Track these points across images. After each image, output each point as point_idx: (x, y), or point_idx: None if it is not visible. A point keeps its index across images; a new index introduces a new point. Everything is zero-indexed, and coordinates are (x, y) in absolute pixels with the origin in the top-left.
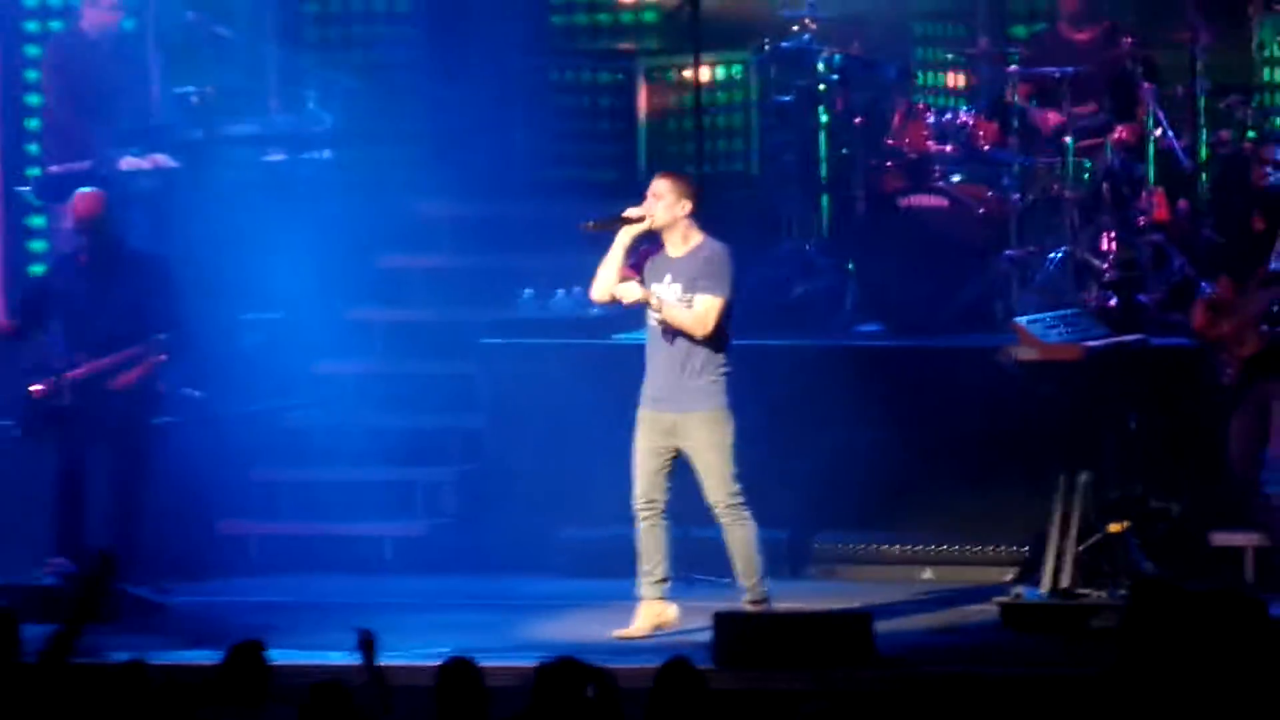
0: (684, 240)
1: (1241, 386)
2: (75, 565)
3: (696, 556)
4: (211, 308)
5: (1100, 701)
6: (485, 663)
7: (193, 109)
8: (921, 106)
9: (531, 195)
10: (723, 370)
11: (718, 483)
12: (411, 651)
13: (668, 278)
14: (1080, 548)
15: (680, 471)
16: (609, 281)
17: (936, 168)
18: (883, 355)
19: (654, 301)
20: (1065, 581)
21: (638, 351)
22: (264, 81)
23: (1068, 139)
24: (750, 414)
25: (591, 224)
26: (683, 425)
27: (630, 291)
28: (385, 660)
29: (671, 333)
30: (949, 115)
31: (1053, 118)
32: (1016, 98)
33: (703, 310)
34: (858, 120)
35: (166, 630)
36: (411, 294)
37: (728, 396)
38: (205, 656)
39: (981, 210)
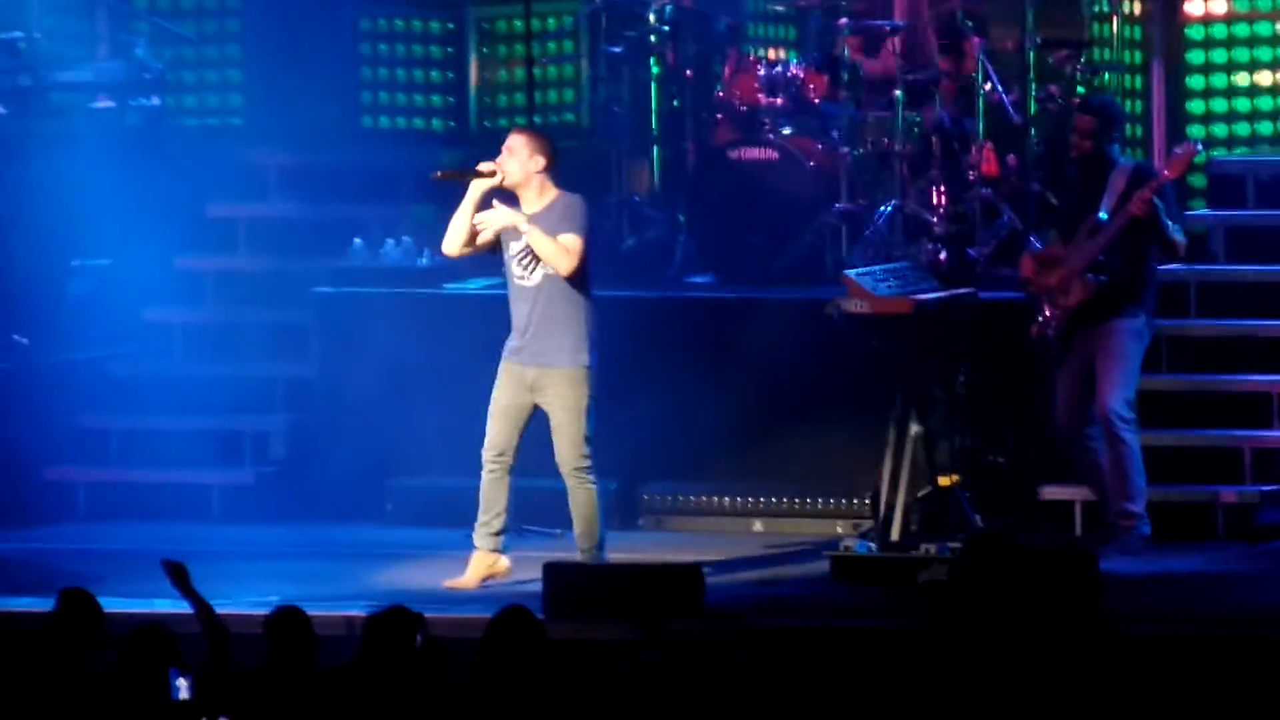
0: (539, 196)
1: (1066, 339)
2: None
3: (528, 507)
4: (39, 255)
5: (933, 653)
6: (314, 611)
7: (20, 54)
8: (752, 59)
9: (361, 144)
10: (587, 327)
11: (568, 444)
12: (241, 600)
13: (520, 236)
14: (910, 501)
15: (532, 425)
16: (460, 236)
17: (766, 120)
18: (713, 307)
19: (522, 226)
20: (895, 535)
21: (468, 302)
22: (92, 27)
23: (897, 92)
24: None
25: (441, 173)
26: (541, 380)
27: (497, 217)
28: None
29: (534, 287)
30: (779, 68)
31: (881, 71)
32: (846, 51)
33: (568, 243)
34: (688, 72)
35: None
36: (241, 242)
37: (591, 355)
38: (33, 604)
39: (811, 163)
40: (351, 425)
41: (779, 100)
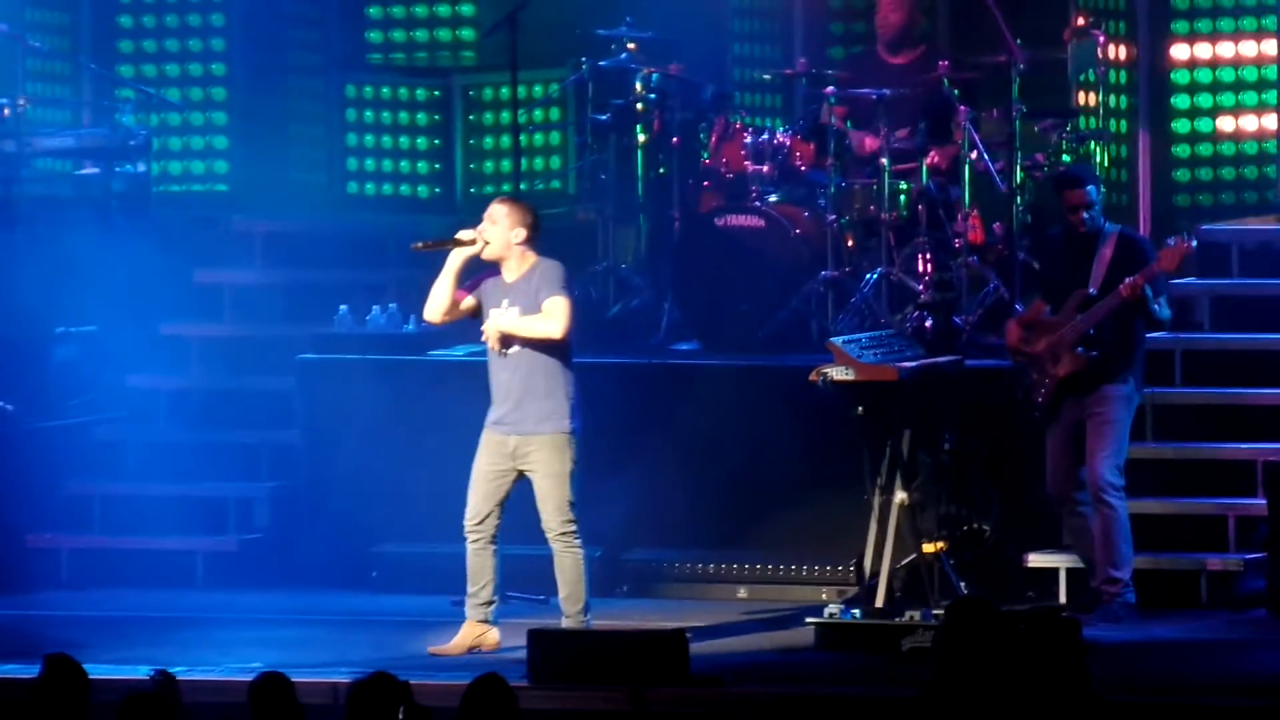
0: (519, 264)
1: (1055, 405)
2: None
3: (513, 574)
4: (23, 321)
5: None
6: (299, 678)
7: (4, 121)
8: (738, 126)
9: (347, 211)
10: (567, 393)
11: (553, 509)
12: (225, 667)
13: (505, 302)
14: (895, 568)
15: (515, 494)
16: (442, 304)
17: (753, 188)
18: (699, 374)
19: (507, 327)
20: (879, 601)
21: (453, 369)
22: (78, 94)
23: (884, 161)
24: None
25: (421, 245)
26: (524, 448)
27: (489, 334)
28: (200, 675)
29: (513, 356)
30: (766, 135)
31: (869, 140)
32: (833, 119)
33: (552, 309)
34: (674, 140)
35: None
36: (226, 309)
37: (574, 421)
38: (16, 670)
39: (798, 231)
40: (337, 492)
41: (765, 168)
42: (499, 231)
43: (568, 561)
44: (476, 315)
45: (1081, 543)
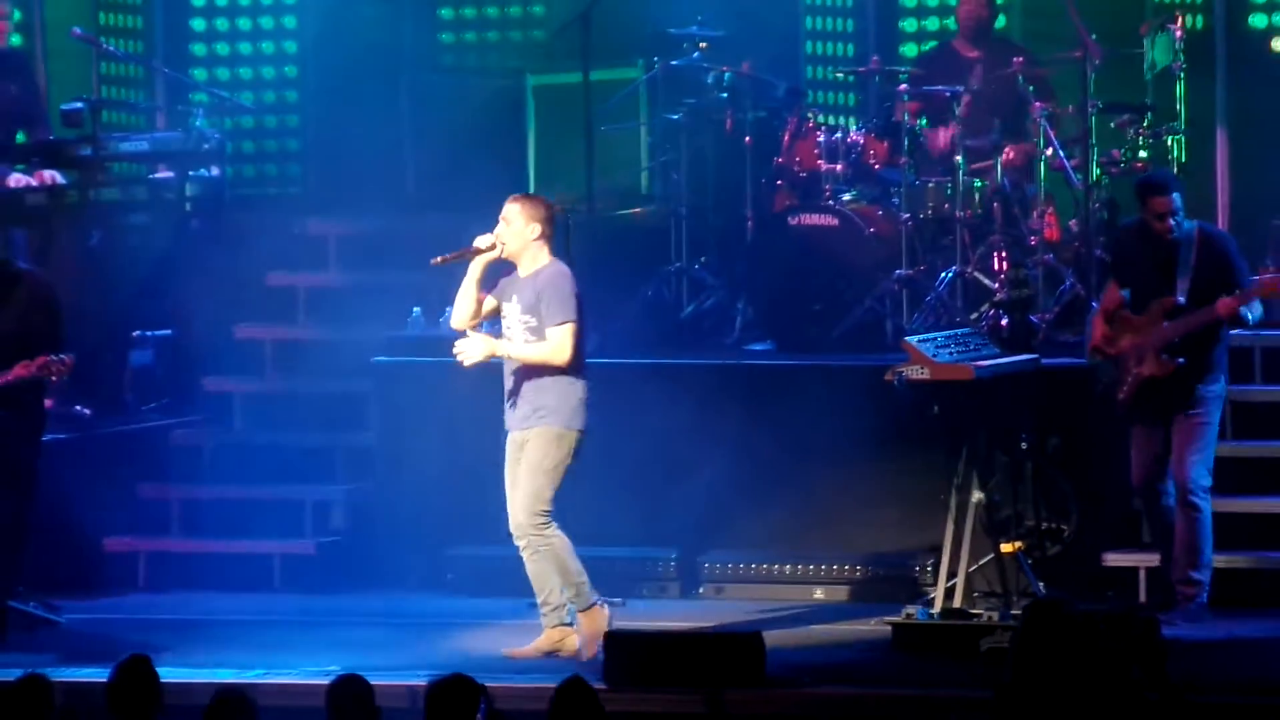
0: (533, 262)
1: (1138, 401)
2: None
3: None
4: (100, 325)
5: None
6: (376, 680)
7: (81, 125)
8: (811, 125)
9: (421, 212)
10: (571, 388)
11: (523, 502)
12: (302, 670)
13: (515, 298)
14: (972, 568)
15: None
16: (466, 311)
17: (827, 186)
18: (773, 374)
19: (502, 352)
20: (957, 602)
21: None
22: (152, 98)
23: (958, 158)
24: (640, 433)
25: (440, 259)
26: (525, 441)
27: (472, 353)
28: (277, 679)
29: (568, 365)
30: (839, 134)
31: (943, 137)
32: (907, 116)
33: (556, 340)
34: (747, 139)
35: (55, 648)
36: (300, 312)
37: (576, 418)
38: (95, 674)
39: (871, 229)
40: (411, 495)
41: (839, 166)
42: (514, 231)
43: (530, 568)
44: (499, 314)
45: (1164, 538)
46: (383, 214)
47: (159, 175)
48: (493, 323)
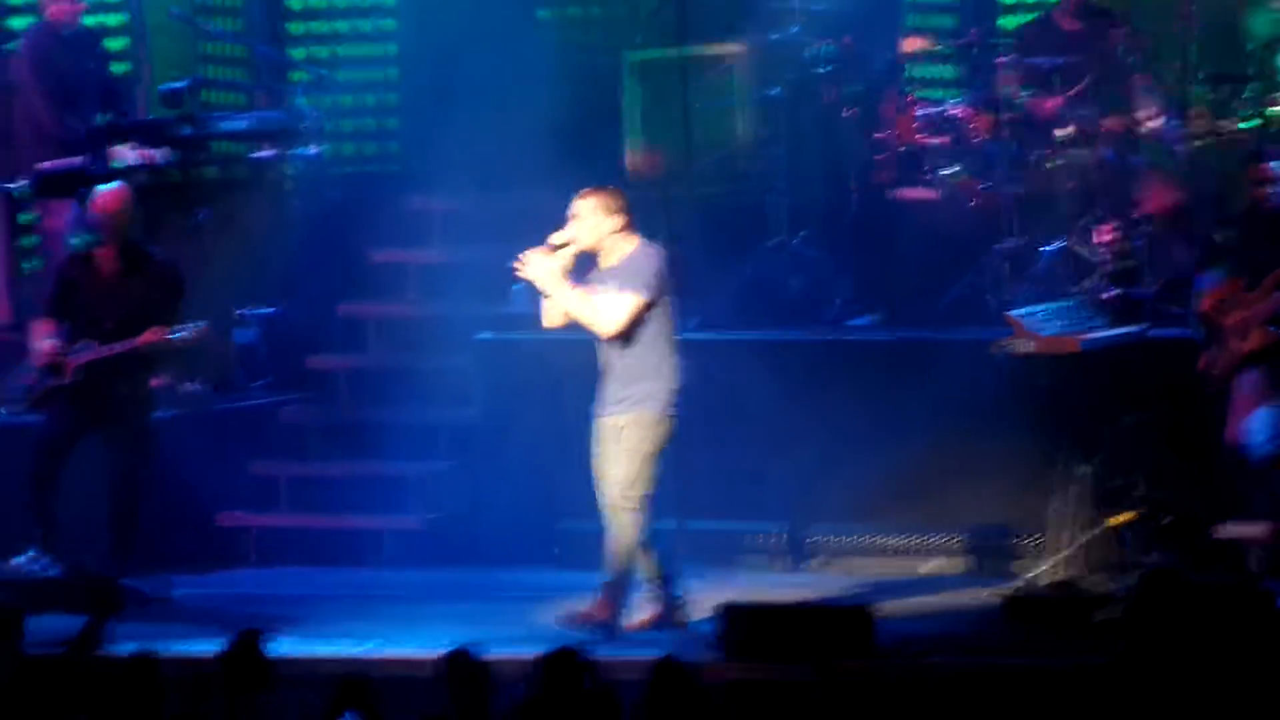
0: (615, 252)
1: (1234, 377)
2: (44, 546)
3: (697, 549)
4: (207, 303)
5: (1106, 693)
6: (486, 654)
7: (181, 105)
8: (911, 99)
9: (523, 187)
10: (668, 374)
11: (615, 480)
12: (412, 644)
13: (607, 286)
14: (1082, 540)
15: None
16: (554, 311)
17: (928, 160)
18: (876, 348)
19: (553, 292)
20: (1067, 573)
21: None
22: (252, 77)
23: (1060, 130)
24: (746, 408)
25: (517, 265)
26: (617, 426)
27: (531, 269)
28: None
29: (616, 340)
30: (940, 107)
31: (1045, 109)
32: (1008, 89)
33: (612, 306)
34: (848, 113)
35: (169, 621)
36: (403, 289)
37: (665, 403)
38: (207, 648)
39: (973, 203)
40: (517, 469)
41: (940, 140)
42: (586, 226)
43: (612, 535)
44: None
45: (1275, 511)
46: (482, 191)
47: (259, 154)
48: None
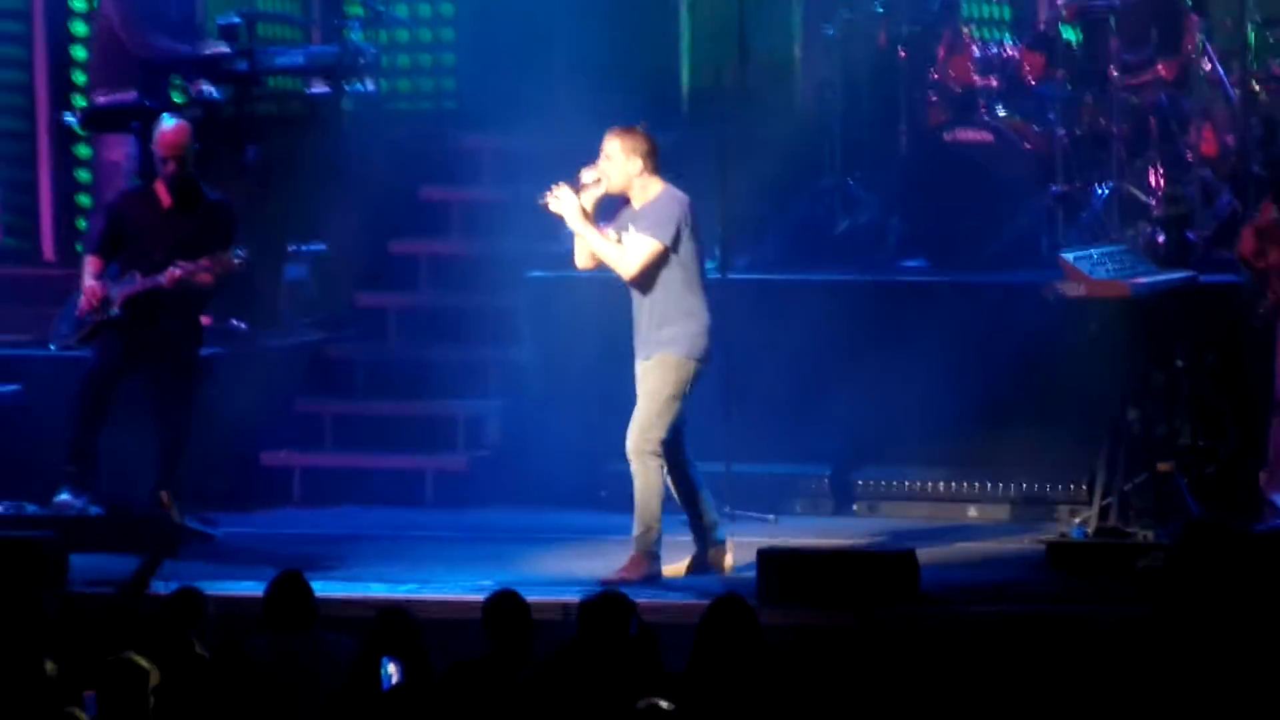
0: (642, 193)
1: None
2: (79, 484)
3: (742, 492)
4: (257, 239)
5: (1149, 642)
6: (529, 596)
7: (237, 40)
8: (966, 39)
9: (578, 124)
10: (693, 317)
11: (635, 426)
12: (455, 585)
13: (630, 228)
14: (1127, 487)
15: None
16: (584, 249)
17: (981, 101)
18: (927, 290)
19: (579, 229)
20: (1112, 521)
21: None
22: (307, 12)
23: (1115, 72)
24: (793, 350)
25: (546, 198)
26: (644, 369)
27: (559, 205)
28: (431, 594)
29: (641, 282)
30: (994, 48)
31: (1100, 51)
32: (1063, 30)
33: (631, 250)
34: (902, 53)
35: (212, 560)
36: (454, 227)
37: (696, 347)
38: (251, 588)
39: (1027, 145)
40: (565, 410)
41: (993, 81)
42: (615, 165)
43: (638, 484)
44: None
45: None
46: (536, 128)
47: (314, 90)
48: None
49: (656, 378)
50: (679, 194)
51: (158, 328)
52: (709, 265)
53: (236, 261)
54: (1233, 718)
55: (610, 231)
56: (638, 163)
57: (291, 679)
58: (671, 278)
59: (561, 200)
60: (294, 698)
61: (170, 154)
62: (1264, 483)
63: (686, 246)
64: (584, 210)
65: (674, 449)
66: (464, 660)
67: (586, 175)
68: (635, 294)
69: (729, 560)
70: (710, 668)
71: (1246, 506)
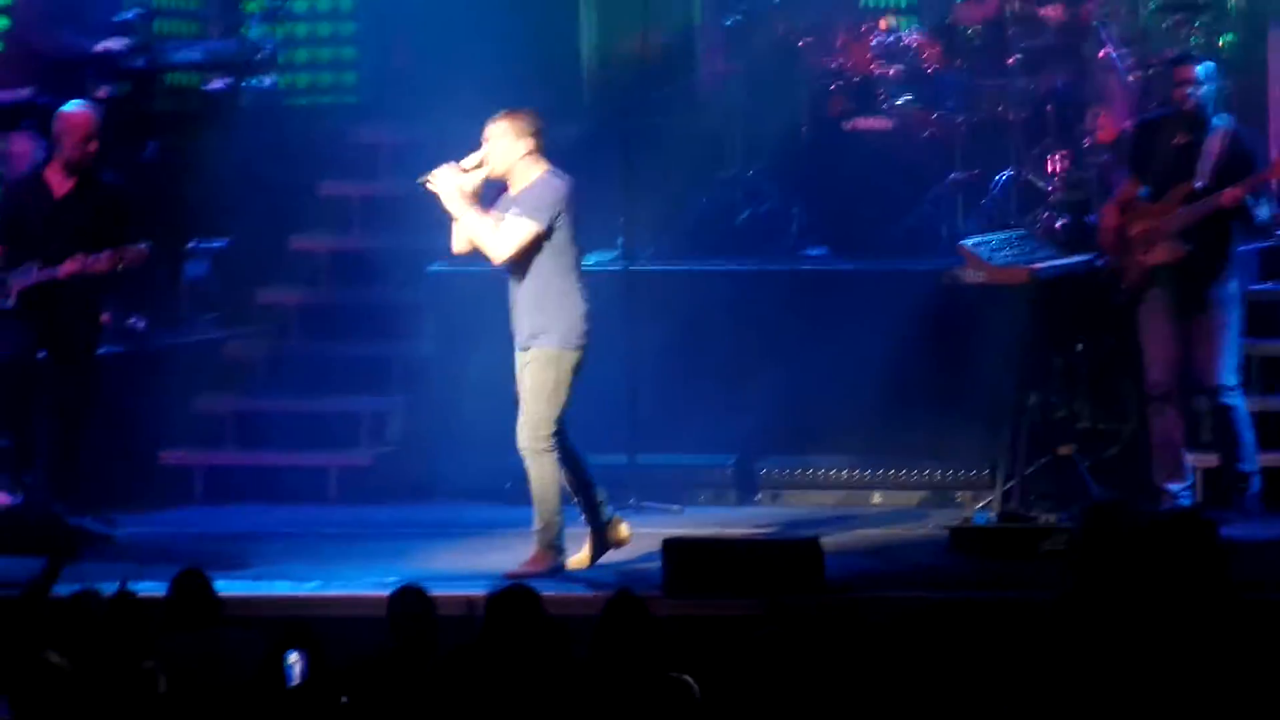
0: (526, 176)
1: (1147, 296)
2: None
3: (646, 483)
4: (155, 237)
5: (1054, 625)
6: (434, 591)
7: (135, 35)
8: (865, 28)
9: (474, 118)
10: (567, 305)
11: (524, 423)
12: (360, 581)
13: (510, 212)
14: (1029, 471)
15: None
16: (462, 234)
17: (881, 90)
18: (828, 278)
19: (455, 210)
20: (1014, 505)
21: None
22: (205, 8)
23: (1012, 60)
24: (696, 340)
25: (426, 179)
26: (523, 361)
27: (438, 184)
28: (334, 592)
29: (515, 268)
30: (893, 37)
31: (997, 38)
32: (960, 18)
33: (505, 232)
34: (801, 42)
35: (113, 561)
36: (354, 222)
37: (574, 335)
38: (151, 588)
39: (926, 133)
40: (469, 404)
41: (893, 69)
42: (499, 148)
43: (532, 476)
44: None
45: (1192, 440)
46: (436, 121)
47: (213, 85)
48: None
49: (537, 373)
50: (561, 178)
51: (54, 320)
52: (612, 255)
53: (142, 248)
54: (1138, 699)
55: (491, 216)
56: (524, 144)
57: (194, 677)
58: (546, 263)
59: (440, 180)
60: (197, 695)
61: (66, 138)
62: (1154, 472)
63: (564, 232)
64: (464, 192)
65: (560, 436)
66: (369, 656)
67: (468, 161)
68: (511, 280)
69: (625, 530)
70: (610, 664)
71: (1147, 488)
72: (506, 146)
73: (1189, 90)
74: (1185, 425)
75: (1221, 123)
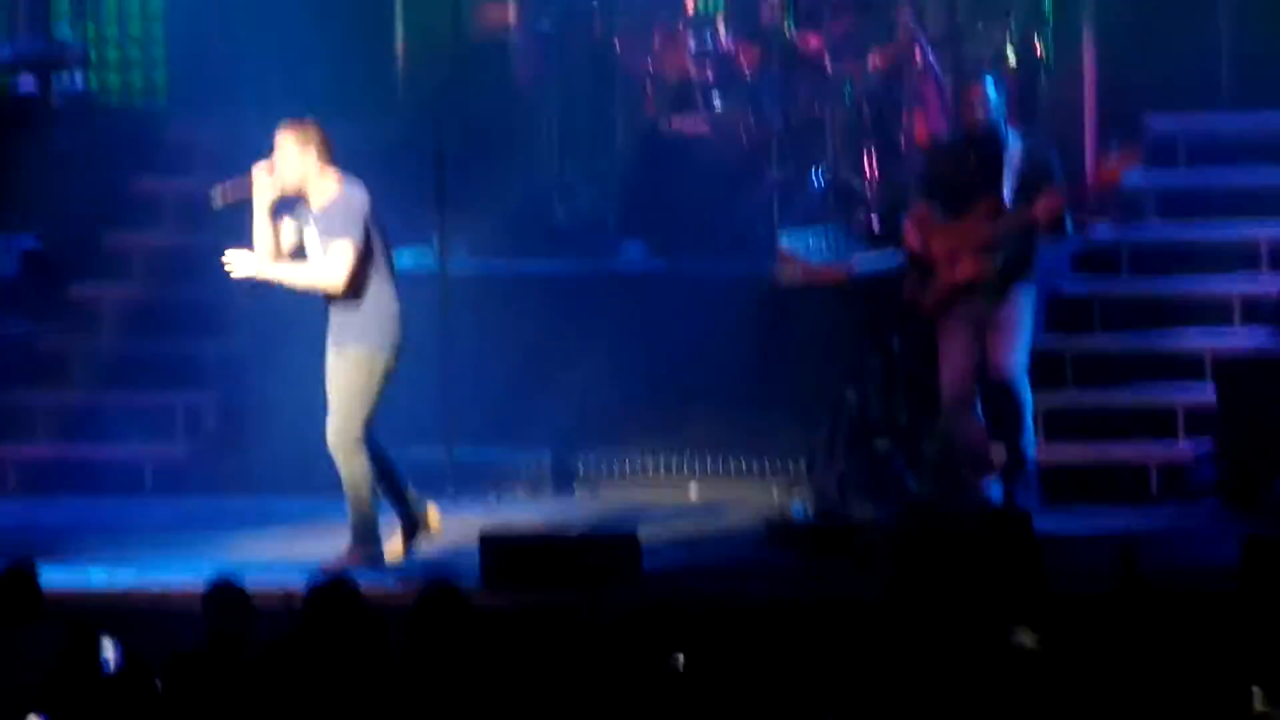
0: (319, 189)
1: (950, 308)
2: None
3: (463, 477)
4: None
5: (867, 619)
6: (250, 583)
7: None
8: (682, 30)
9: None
10: (376, 307)
11: (334, 422)
12: (175, 574)
13: (311, 224)
14: (845, 466)
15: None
16: (265, 247)
17: (698, 91)
18: (645, 278)
19: (270, 276)
20: (831, 500)
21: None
22: (13, 6)
23: (828, 61)
24: (513, 336)
25: (220, 195)
26: (332, 361)
27: (240, 266)
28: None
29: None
30: (709, 38)
31: (813, 40)
32: (776, 19)
33: (329, 262)
34: (617, 45)
35: None
36: (167, 218)
37: (383, 336)
38: None
39: (743, 134)
40: (284, 397)
41: (709, 71)
42: (289, 160)
43: (344, 477)
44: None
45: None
46: (248, 118)
47: (21, 84)
48: None
49: (346, 373)
50: (356, 186)
51: None
52: (426, 253)
53: None
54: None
55: (288, 223)
56: (310, 155)
57: (13, 673)
58: (358, 268)
59: (240, 264)
60: (16, 692)
61: None
62: (961, 468)
63: (371, 238)
64: (266, 263)
65: (367, 436)
66: (184, 650)
67: (258, 172)
68: None
69: (435, 518)
70: (424, 656)
71: (961, 483)
72: (294, 159)
73: (979, 109)
74: (987, 420)
75: (1015, 134)
